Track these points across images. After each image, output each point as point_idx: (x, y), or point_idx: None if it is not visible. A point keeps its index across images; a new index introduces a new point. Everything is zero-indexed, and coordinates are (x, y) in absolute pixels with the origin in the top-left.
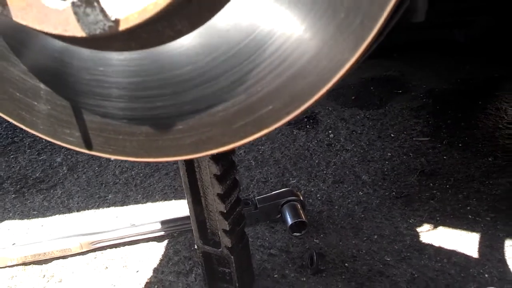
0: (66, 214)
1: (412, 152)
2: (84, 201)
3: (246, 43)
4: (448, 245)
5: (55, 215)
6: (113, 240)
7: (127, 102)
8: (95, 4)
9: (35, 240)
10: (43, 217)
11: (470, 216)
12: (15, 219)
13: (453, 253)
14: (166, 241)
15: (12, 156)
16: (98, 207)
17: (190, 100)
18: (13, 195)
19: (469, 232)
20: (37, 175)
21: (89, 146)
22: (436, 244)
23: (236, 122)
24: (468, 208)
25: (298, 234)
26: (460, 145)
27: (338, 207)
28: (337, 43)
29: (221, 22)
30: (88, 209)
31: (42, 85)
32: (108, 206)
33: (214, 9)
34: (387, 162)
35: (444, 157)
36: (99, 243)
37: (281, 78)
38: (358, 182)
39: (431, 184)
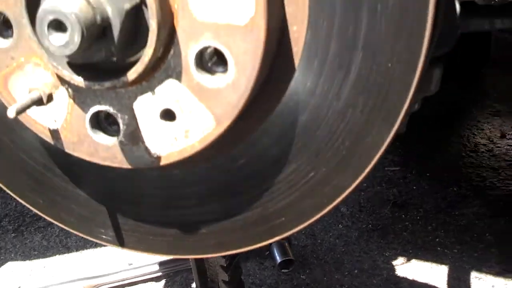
0: (66, 254)
1: (385, 183)
2: (82, 240)
3: (264, 169)
4: (420, 278)
5: (55, 255)
6: (114, 282)
7: (158, 209)
8: (140, 143)
9: (40, 284)
10: (44, 257)
11: (439, 248)
12: (17, 260)
13: (425, 287)
14: (163, 281)
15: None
16: (96, 245)
17: (212, 210)
18: (13, 234)
19: (439, 265)
20: (34, 212)
21: (122, 244)
22: (410, 277)
23: (253, 229)
24: (437, 240)
25: (286, 270)
26: (427, 174)
27: (320, 241)
28: (339, 175)
29: (242, 152)
30: (86, 248)
31: (81, 192)
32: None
33: (236, 144)
34: (362, 193)
35: (414, 187)
36: (101, 286)
37: (291, 198)
38: (338, 214)
39: (403, 216)
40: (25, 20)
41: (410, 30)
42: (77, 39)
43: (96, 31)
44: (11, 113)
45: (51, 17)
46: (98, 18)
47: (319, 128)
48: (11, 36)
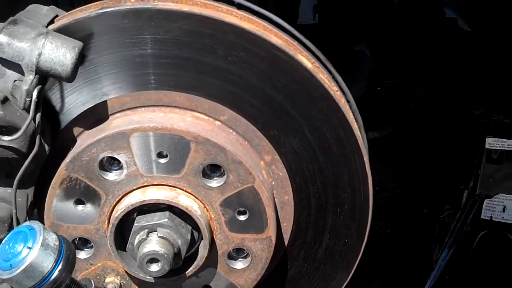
0: None
1: None
2: None
3: None
4: None
5: None
6: None
7: None
8: None
9: None
10: None
11: None
12: None
13: None
14: None
15: None
16: None
17: None
18: None
19: None
20: None
21: None
22: None
23: None
24: None
25: None
26: None
27: None
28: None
29: None
30: None
31: None
32: None
33: None
34: None
35: None
36: None
37: None
38: None
39: None
40: (113, 249)
41: (359, 222)
42: (167, 267)
43: (174, 257)
44: None
45: (150, 257)
46: (175, 249)
47: (302, 277)
48: (90, 248)
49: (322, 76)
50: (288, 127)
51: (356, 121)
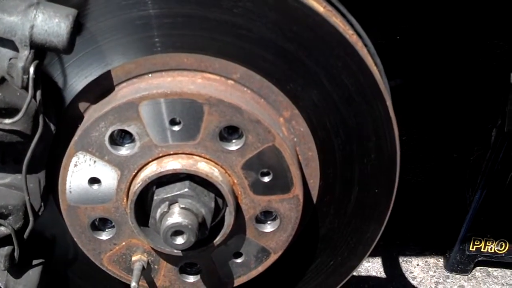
0: None
1: None
2: None
3: (298, 263)
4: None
5: None
6: None
7: None
8: (217, 278)
9: None
10: None
11: None
12: None
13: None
14: None
15: None
16: None
17: None
18: None
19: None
20: None
21: None
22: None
23: None
24: None
25: None
26: None
27: None
28: (350, 260)
29: None
30: None
31: None
32: None
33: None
34: None
35: None
36: None
37: (318, 279)
38: None
39: None
40: (135, 225)
41: (387, 170)
42: (192, 238)
43: (199, 228)
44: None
45: (174, 230)
46: (200, 219)
47: (334, 234)
48: (112, 228)
49: (336, 20)
50: (305, 79)
51: (376, 65)
